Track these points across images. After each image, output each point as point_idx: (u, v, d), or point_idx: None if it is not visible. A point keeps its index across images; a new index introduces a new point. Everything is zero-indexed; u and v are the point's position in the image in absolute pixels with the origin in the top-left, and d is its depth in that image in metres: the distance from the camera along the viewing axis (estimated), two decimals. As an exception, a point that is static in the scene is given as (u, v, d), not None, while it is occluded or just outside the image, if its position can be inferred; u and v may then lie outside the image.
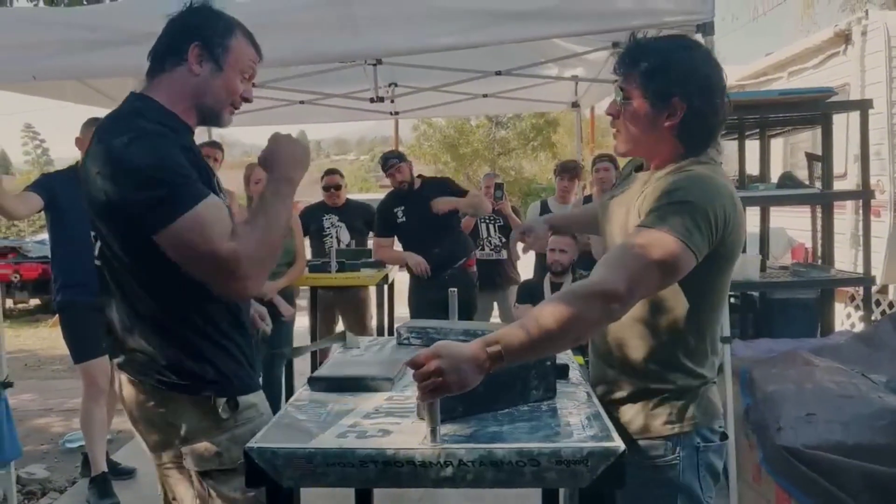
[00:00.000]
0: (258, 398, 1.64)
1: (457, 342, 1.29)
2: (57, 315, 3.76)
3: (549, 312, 1.27)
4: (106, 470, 3.61)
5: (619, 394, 1.56)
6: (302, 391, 1.63)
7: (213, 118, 1.67)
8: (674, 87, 1.45)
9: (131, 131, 1.49)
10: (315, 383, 1.66)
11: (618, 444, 1.22)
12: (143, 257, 1.50)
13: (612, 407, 1.55)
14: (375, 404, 1.52)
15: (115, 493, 3.56)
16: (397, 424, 1.37)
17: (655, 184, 1.47)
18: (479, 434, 1.31)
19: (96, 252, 1.62)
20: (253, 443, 1.27)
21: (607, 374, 1.59)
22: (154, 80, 1.64)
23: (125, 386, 1.64)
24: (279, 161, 1.60)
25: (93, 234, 1.56)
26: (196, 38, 1.60)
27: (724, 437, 1.57)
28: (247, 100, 1.69)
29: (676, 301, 1.48)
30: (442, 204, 4.23)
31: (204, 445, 1.54)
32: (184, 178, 1.47)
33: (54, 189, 3.56)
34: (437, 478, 1.21)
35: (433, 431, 1.25)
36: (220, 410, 1.55)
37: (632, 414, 1.54)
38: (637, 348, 1.53)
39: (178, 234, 1.43)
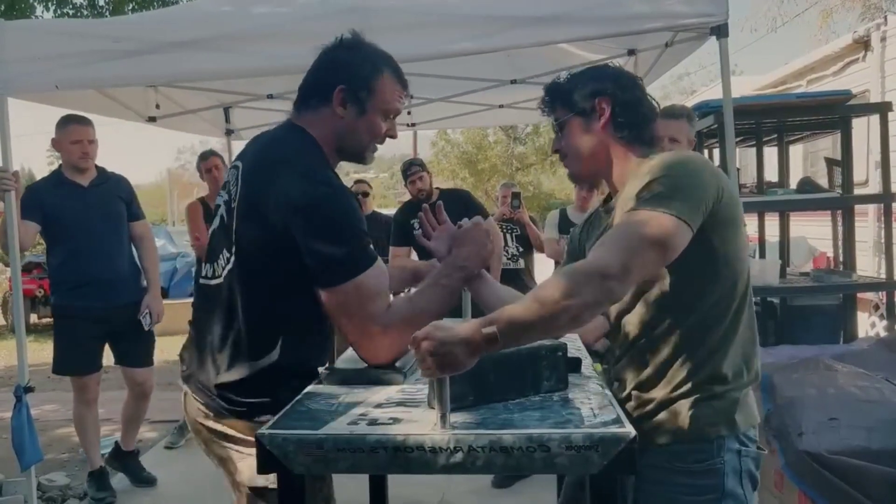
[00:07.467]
0: None
1: (454, 322, 1.28)
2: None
3: (547, 293, 1.26)
4: (103, 465, 3.74)
5: (652, 396, 1.50)
6: (315, 384, 1.63)
7: (355, 157, 1.70)
8: (592, 89, 1.56)
9: (323, 180, 1.53)
10: (327, 376, 1.66)
11: (629, 429, 1.21)
12: (282, 296, 1.54)
13: (646, 411, 1.51)
14: (387, 395, 1.52)
15: (112, 486, 3.68)
16: (408, 413, 1.37)
17: (629, 186, 1.46)
18: (489, 421, 1.30)
19: (222, 271, 1.61)
20: (264, 429, 1.27)
21: (636, 377, 1.53)
22: (303, 114, 1.65)
23: (191, 403, 1.67)
24: (464, 256, 1.65)
25: (226, 255, 1.61)
26: (341, 81, 1.59)
27: (760, 448, 1.53)
28: (391, 136, 1.70)
29: (687, 283, 1.44)
30: None
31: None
32: (366, 241, 1.53)
33: (41, 204, 3.52)
34: (448, 463, 1.21)
35: (443, 417, 1.25)
36: None
37: (669, 416, 1.48)
38: (664, 345, 1.48)
39: (341, 295, 1.50)
